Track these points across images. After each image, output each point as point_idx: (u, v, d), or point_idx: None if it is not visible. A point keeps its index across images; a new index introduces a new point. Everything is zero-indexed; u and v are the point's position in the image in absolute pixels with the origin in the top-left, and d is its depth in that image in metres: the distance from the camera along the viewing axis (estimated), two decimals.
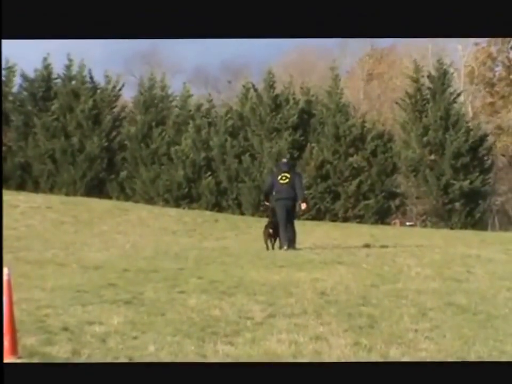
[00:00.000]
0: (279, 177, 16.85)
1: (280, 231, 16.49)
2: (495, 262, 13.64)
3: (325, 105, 34.43)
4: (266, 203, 17.54)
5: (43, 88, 36.07)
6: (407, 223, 34.21)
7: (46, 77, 36.32)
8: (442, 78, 34.46)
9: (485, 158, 34.50)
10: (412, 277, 11.89)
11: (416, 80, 34.91)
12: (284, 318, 9.16)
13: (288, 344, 8.11)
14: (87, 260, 14.67)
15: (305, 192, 18.73)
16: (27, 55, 57.93)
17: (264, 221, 17.60)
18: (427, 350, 8.04)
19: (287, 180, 16.73)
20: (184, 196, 33.61)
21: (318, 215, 31.98)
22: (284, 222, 16.44)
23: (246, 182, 33.03)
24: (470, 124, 35.25)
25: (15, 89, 36.33)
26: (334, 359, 7.66)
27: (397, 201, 33.70)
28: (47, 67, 36.42)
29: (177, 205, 32.95)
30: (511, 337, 8.54)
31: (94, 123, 35.30)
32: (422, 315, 9.43)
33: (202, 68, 74.92)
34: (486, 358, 7.75)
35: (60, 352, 7.57)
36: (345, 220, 32.38)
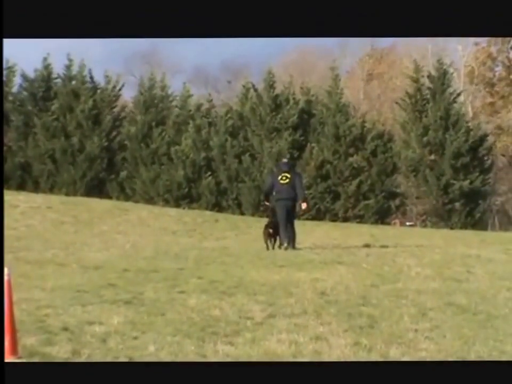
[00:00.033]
0: (279, 177, 16.84)
1: (280, 231, 16.49)
2: (495, 262, 13.63)
3: (325, 105, 34.42)
4: (267, 203, 17.54)
5: (43, 88, 36.07)
6: (407, 223, 34.20)
7: (46, 77, 36.32)
8: (442, 78, 34.45)
9: (485, 158, 34.50)
10: (412, 277, 11.89)
11: (416, 80, 34.90)
12: (284, 318, 9.16)
13: (288, 344, 8.10)
14: (87, 259, 14.67)
15: (305, 192, 18.71)
16: (27, 55, 57.97)
17: (264, 221, 17.59)
18: (427, 350, 8.04)
19: (287, 180, 16.72)
20: (184, 196, 33.60)
21: (318, 215, 31.98)
22: (284, 222, 16.44)
23: (246, 182, 33.02)
24: (470, 124, 35.24)
25: (15, 89, 36.39)
26: (334, 359, 7.66)
27: (397, 201, 33.70)
28: (47, 67, 36.41)
29: (177, 205, 32.95)
30: (511, 337, 8.53)
31: (94, 123, 35.30)
32: (422, 315, 9.42)
33: (202, 68, 74.90)
34: (486, 358, 7.75)
35: (60, 352, 7.56)
36: (345, 220, 32.37)
